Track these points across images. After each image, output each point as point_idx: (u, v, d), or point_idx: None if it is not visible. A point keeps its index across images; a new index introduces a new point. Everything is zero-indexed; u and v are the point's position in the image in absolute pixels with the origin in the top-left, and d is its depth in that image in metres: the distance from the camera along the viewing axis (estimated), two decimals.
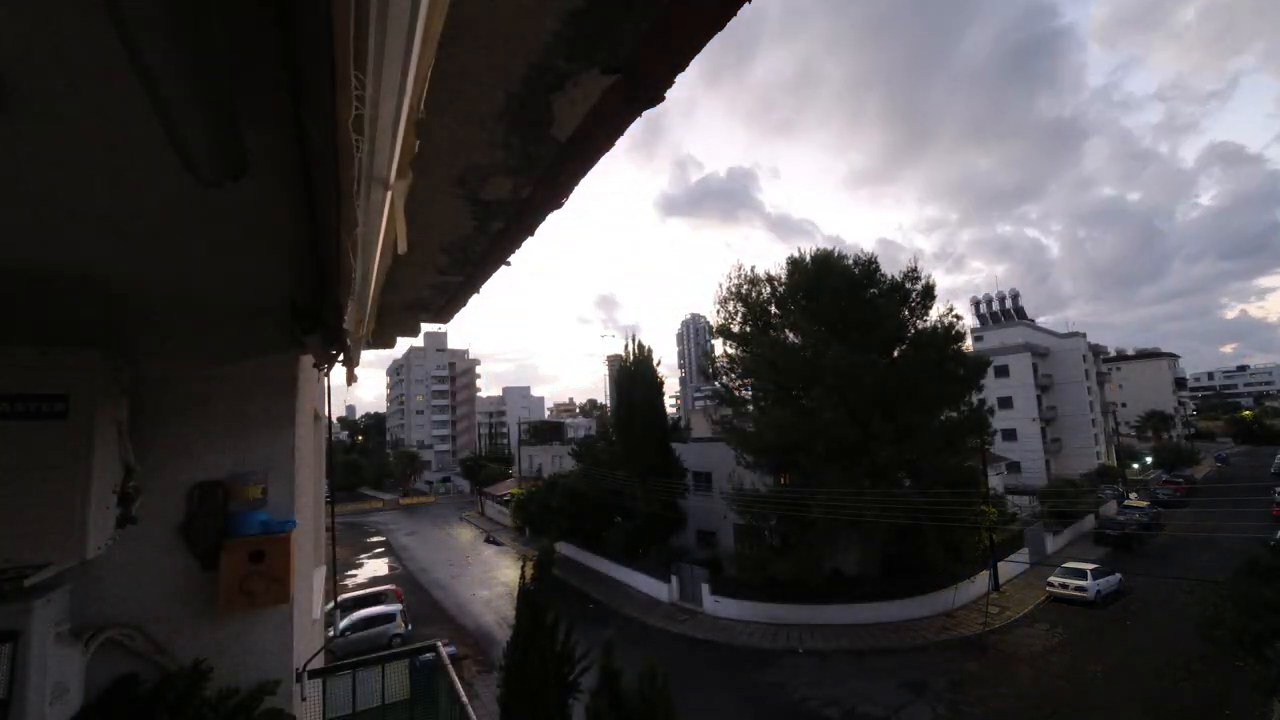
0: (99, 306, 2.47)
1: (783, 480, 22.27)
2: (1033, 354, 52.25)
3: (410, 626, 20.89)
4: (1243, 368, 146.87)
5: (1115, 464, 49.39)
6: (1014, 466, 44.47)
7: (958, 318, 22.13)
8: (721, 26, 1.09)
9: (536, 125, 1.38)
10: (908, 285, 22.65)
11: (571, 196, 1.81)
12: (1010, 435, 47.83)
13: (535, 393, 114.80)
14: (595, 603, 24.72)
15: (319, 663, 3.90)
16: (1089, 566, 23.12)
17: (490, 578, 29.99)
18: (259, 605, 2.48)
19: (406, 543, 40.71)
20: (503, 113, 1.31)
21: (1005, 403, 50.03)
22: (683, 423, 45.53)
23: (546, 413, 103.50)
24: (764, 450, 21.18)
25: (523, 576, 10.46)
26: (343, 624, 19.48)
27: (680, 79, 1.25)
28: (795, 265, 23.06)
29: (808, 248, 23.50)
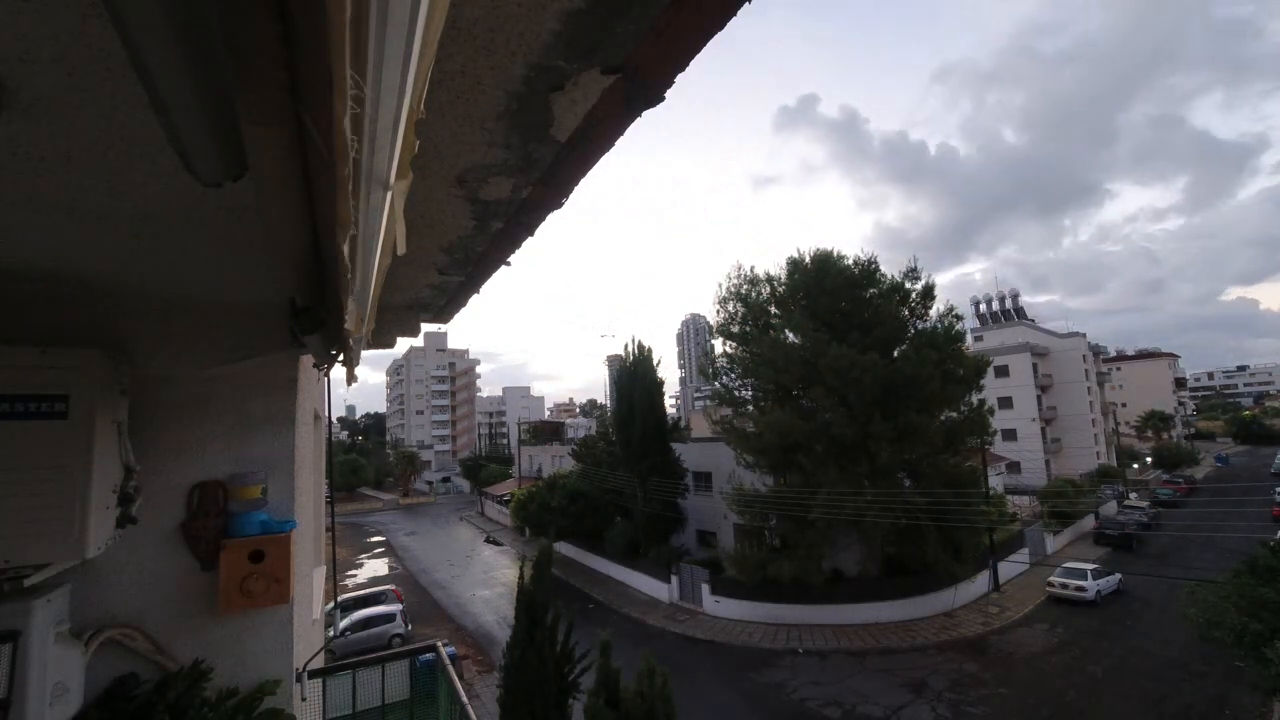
0: (99, 306, 2.47)
1: (783, 480, 22.28)
2: (1033, 354, 52.29)
3: (410, 626, 20.90)
4: (1242, 367, 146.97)
5: (1115, 464, 49.41)
6: (1014, 466, 44.47)
7: (958, 318, 22.17)
8: (721, 26, 1.09)
9: (536, 125, 1.38)
10: (907, 285, 22.68)
11: (571, 196, 1.81)
12: (1010, 435, 47.81)
13: (534, 392, 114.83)
14: (595, 603, 24.74)
15: (319, 663, 3.89)
16: (1089, 566, 23.14)
17: (490, 578, 30.00)
18: (259, 605, 2.47)
19: (406, 543, 40.74)
20: (503, 113, 1.31)
21: (1005, 403, 50.04)
22: (683, 423, 45.53)
23: (546, 413, 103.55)
24: (764, 450, 21.18)
25: (522, 576, 10.47)
26: (343, 624, 19.50)
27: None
28: (795, 265, 23.09)
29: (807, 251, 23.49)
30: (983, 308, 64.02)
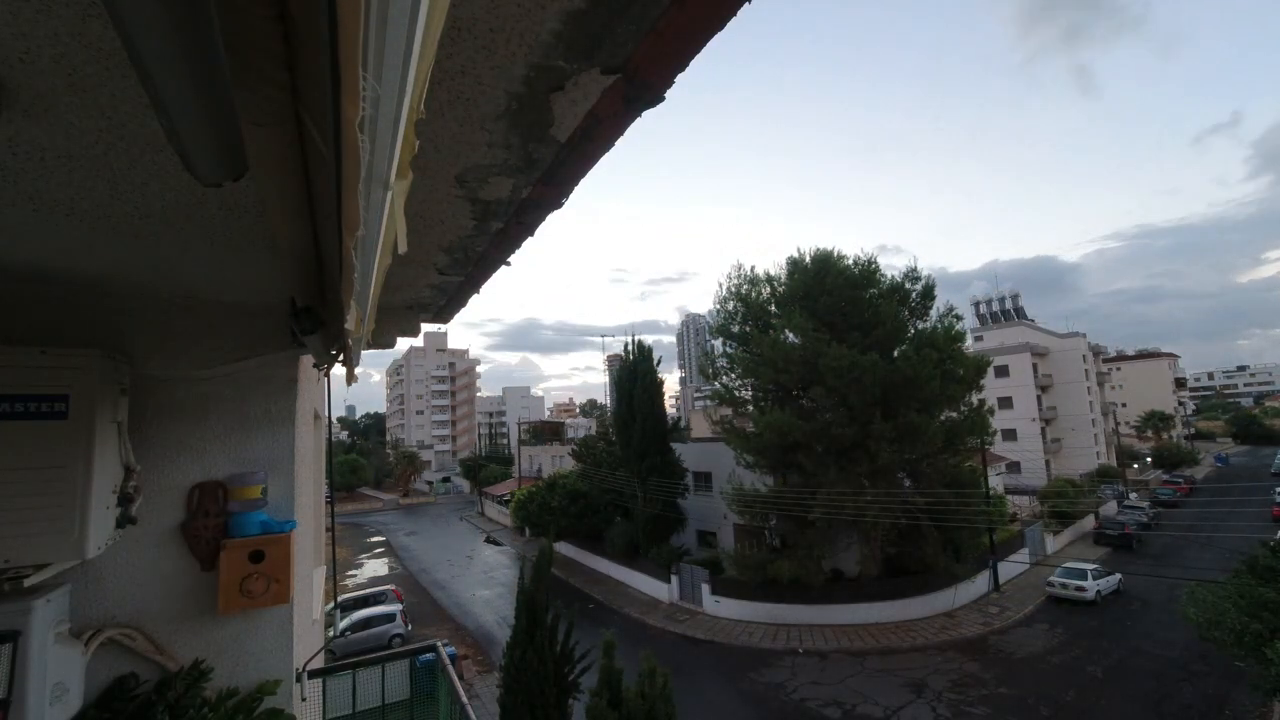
0: (99, 306, 2.48)
1: (783, 480, 22.27)
2: (1033, 354, 52.29)
3: (410, 626, 20.91)
4: (1242, 367, 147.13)
5: (1115, 464, 49.41)
6: (1014, 466, 44.45)
7: (958, 318, 22.16)
8: (722, 26, 1.09)
9: (536, 125, 1.38)
10: (907, 285, 22.68)
11: (571, 196, 1.81)
12: (1010, 435, 47.80)
13: (535, 392, 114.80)
14: (595, 603, 24.73)
15: (319, 663, 3.89)
16: (1089, 566, 23.14)
17: (490, 578, 30.00)
18: (259, 605, 2.47)
19: (406, 543, 40.73)
20: (503, 113, 1.31)
21: (1005, 403, 50.04)
22: (683, 423, 45.53)
23: (546, 413, 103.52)
24: (764, 450, 21.18)
25: (522, 576, 10.47)
26: (343, 624, 19.50)
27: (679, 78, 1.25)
28: (795, 265, 23.09)
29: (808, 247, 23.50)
30: (983, 308, 64.02)
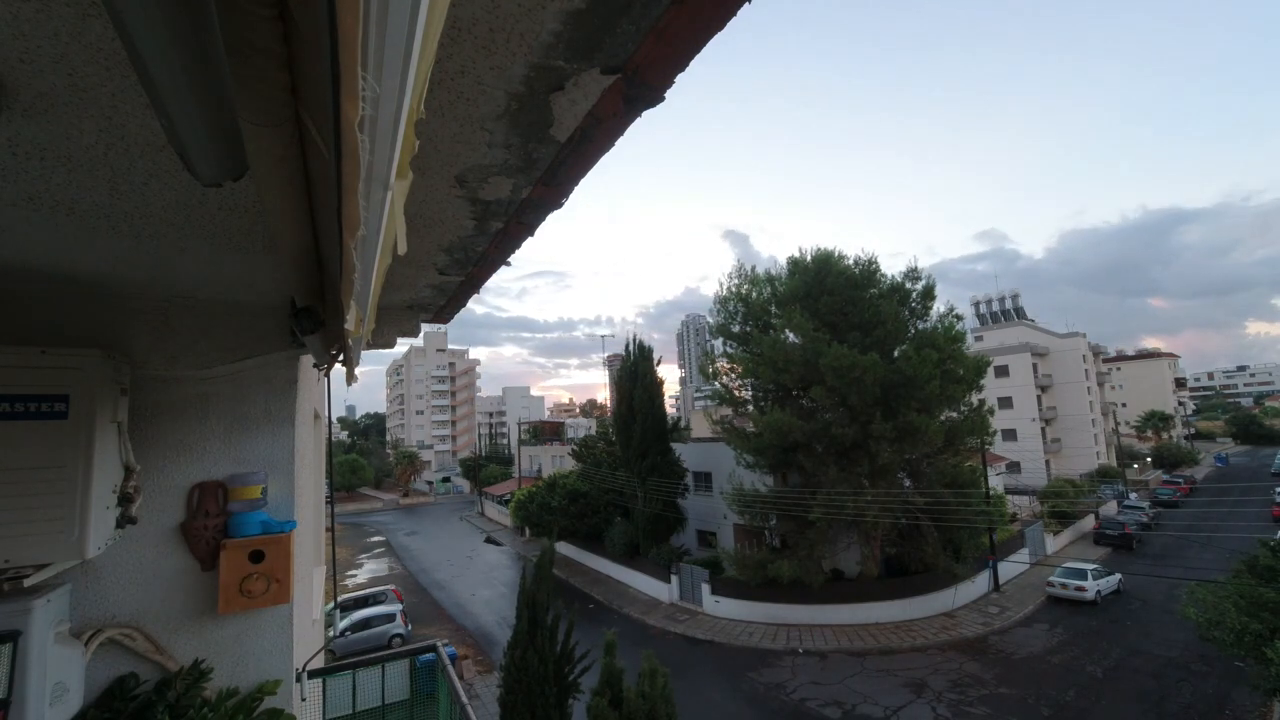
0: (99, 306, 2.47)
1: (783, 480, 22.26)
2: (1032, 354, 52.31)
3: (410, 626, 20.91)
4: (1242, 367, 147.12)
5: (1115, 464, 49.41)
6: (1014, 466, 44.46)
7: (958, 318, 22.15)
8: (721, 26, 1.09)
9: (536, 125, 1.38)
10: (908, 285, 22.67)
11: (571, 196, 1.81)
12: (1010, 435, 47.85)
13: (535, 392, 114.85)
14: (595, 603, 24.74)
15: (319, 663, 3.89)
16: (1089, 566, 23.14)
17: (490, 578, 30.00)
18: (259, 605, 2.47)
19: (406, 543, 40.74)
20: (503, 113, 1.31)
21: (1005, 403, 50.07)
22: (683, 423, 45.52)
23: (546, 413, 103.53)
24: (764, 450, 21.18)
25: (523, 576, 10.47)
26: (343, 624, 19.50)
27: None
28: (795, 265, 23.09)
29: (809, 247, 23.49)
30: (983, 308, 64.07)
